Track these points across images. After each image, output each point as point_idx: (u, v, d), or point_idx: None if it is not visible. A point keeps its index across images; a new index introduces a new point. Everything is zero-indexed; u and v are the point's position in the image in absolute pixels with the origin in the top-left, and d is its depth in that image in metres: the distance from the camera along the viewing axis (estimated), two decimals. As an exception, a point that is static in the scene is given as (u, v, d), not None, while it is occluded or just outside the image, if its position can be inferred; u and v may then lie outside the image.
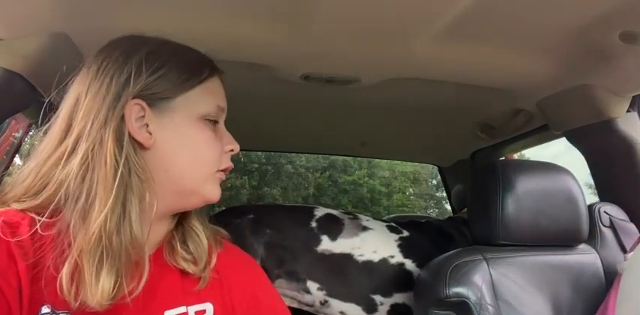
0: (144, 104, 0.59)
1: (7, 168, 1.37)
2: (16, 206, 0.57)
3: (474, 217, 1.05)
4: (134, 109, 0.58)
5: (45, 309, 0.52)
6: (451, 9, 0.82)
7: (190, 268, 0.63)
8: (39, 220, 0.54)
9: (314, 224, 1.19)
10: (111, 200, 0.54)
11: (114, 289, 0.52)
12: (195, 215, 0.68)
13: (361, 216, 1.27)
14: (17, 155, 1.38)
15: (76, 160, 0.56)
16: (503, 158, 1.79)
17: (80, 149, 0.56)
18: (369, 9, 0.83)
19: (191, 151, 0.62)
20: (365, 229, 1.21)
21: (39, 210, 0.56)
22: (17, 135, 1.37)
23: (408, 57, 1.02)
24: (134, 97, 0.58)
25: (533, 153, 2.17)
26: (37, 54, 0.86)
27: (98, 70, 0.59)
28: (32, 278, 0.52)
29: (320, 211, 1.24)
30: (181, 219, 0.68)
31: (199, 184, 0.63)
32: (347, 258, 1.16)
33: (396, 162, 6.84)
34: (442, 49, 0.98)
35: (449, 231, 1.26)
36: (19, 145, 1.37)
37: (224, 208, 1.34)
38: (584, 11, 0.85)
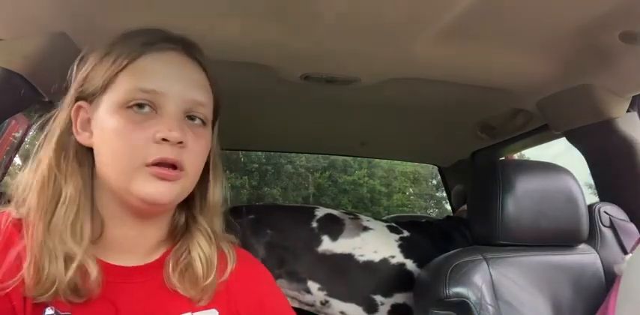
0: (86, 105, 0.59)
1: (7, 168, 1.37)
2: (15, 210, 0.57)
3: (474, 217, 1.05)
4: (80, 111, 0.59)
5: (49, 310, 0.53)
6: (451, 9, 0.82)
7: (189, 294, 0.60)
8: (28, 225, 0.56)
9: (315, 224, 1.19)
10: (40, 201, 0.55)
11: (51, 284, 0.52)
12: (203, 233, 0.64)
13: (362, 216, 1.27)
14: (17, 155, 1.38)
15: (43, 166, 0.57)
16: (503, 158, 1.79)
17: (47, 155, 0.58)
18: (369, 9, 0.83)
19: (108, 145, 0.57)
20: (366, 229, 1.21)
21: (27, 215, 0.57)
22: (17, 135, 1.37)
23: (408, 57, 1.02)
24: (79, 99, 0.59)
25: (534, 153, 2.17)
26: (37, 54, 0.86)
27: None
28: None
29: (321, 211, 1.24)
30: (188, 234, 0.64)
31: (124, 180, 0.56)
32: (348, 258, 1.16)
33: (396, 162, 6.86)
34: (442, 49, 0.98)
35: (449, 231, 1.26)
36: (19, 145, 1.37)
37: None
38: (584, 11, 0.85)
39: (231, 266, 0.65)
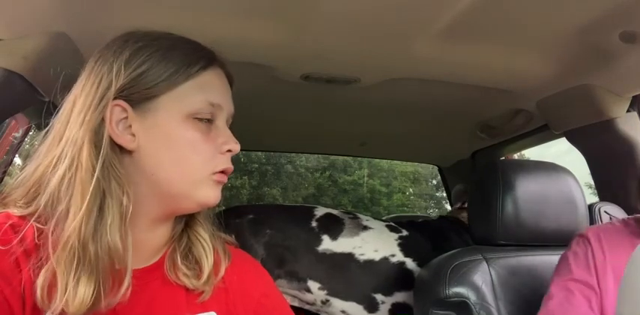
0: (125, 105, 0.56)
1: (7, 168, 1.37)
2: (15, 211, 0.55)
3: (474, 217, 1.05)
4: (115, 110, 0.56)
5: None
6: (451, 9, 0.82)
7: (192, 284, 0.61)
8: (36, 227, 0.53)
9: (314, 224, 1.20)
10: (85, 206, 0.52)
11: (91, 298, 0.50)
12: (201, 224, 0.65)
13: (361, 215, 1.27)
14: (17, 155, 1.38)
15: (63, 166, 0.54)
16: (503, 158, 1.79)
17: (67, 155, 0.54)
18: (369, 9, 0.83)
19: (176, 154, 0.58)
20: (365, 228, 1.21)
21: (35, 216, 0.54)
22: (17, 135, 1.37)
23: (408, 57, 1.02)
24: (116, 98, 0.56)
25: (536, 153, 2.17)
26: (37, 54, 0.86)
27: (91, 71, 0.58)
28: (34, 285, 0.51)
29: (320, 211, 1.24)
30: (186, 227, 0.65)
31: (190, 188, 0.58)
32: (348, 257, 1.16)
33: (396, 162, 6.86)
34: (442, 49, 0.98)
35: (445, 230, 1.26)
36: (19, 145, 1.37)
37: (224, 208, 1.34)
38: (584, 11, 0.85)
39: (225, 263, 0.65)
